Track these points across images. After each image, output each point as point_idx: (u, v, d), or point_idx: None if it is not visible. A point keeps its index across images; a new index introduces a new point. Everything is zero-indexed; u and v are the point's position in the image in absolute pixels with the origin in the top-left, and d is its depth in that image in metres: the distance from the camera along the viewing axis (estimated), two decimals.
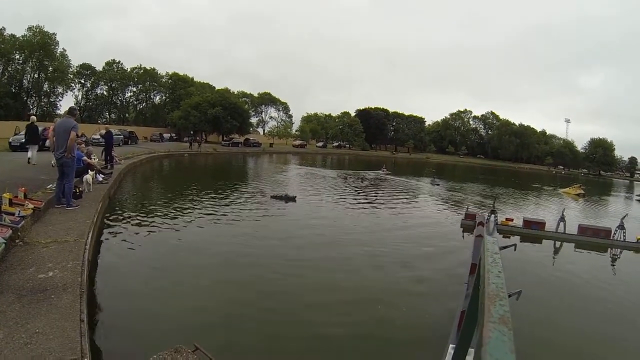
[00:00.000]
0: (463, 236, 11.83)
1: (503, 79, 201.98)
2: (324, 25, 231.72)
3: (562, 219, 12.59)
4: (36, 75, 54.05)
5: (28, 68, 53.06)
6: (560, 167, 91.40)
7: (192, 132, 58.54)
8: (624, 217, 12.67)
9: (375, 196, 18.68)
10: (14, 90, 51.49)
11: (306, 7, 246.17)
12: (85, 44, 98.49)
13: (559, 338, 5.66)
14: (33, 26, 51.20)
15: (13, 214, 5.81)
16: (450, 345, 4.41)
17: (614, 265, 10.87)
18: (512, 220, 13.33)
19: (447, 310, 5.88)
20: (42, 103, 56.90)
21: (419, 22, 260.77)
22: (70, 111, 8.06)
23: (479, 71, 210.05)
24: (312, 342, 4.92)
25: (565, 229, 12.48)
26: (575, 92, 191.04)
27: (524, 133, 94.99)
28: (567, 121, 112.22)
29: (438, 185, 28.60)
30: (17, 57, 51.35)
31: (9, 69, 51.49)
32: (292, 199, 14.64)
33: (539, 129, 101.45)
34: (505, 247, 5.00)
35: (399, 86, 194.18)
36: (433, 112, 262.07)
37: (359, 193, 19.10)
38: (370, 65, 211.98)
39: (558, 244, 12.14)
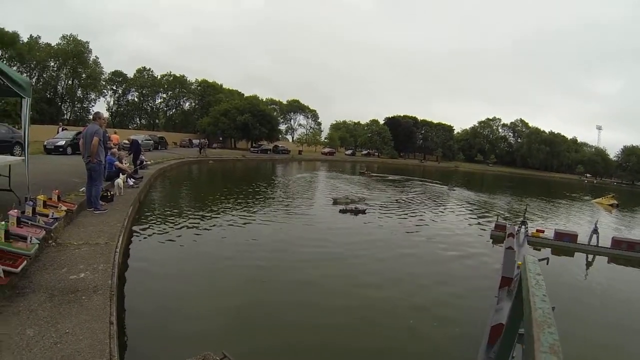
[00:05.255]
0: (492, 247, 11.48)
1: (530, 85, 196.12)
2: (345, 33, 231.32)
3: (595, 231, 12.03)
4: (70, 82, 56.31)
5: (62, 75, 55.36)
6: (588, 174, 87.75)
7: (220, 138, 59.36)
8: None
9: (406, 206, 18.21)
10: (48, 95, 53.80)
11: (327, 13, 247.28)
12: (117, 53, 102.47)
13: (597, 356, 5.40)
14: (67, 35, 53.72)
15: (47, 216, 6.01)
16: None
17: None
18: (543, 231, 12.83)
19: (477, 325, 5.68)
20: (76, 108, 59.32)
21: (441, 28, 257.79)
22: (94, 116, 8.09)
23: (502, 76, 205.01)
24: (341, 354, 4.82)
25: (599, 242, 11.94)
26: (603, 98, 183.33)
27: (554, 141, 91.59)
28: (599, 128, 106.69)
29: (454, 190, 28.89)
30: (52, 64, 53.70)
31: (44, 75, 53.79)
32: (362, 212, 14.29)
33: (569, 137, 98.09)
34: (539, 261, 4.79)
35: (425, 93, 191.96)
36: (459, 120, 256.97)
37: (394, 202, 18.75)
38: (395, 72, 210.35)
39: (590, 257, 11.62)
